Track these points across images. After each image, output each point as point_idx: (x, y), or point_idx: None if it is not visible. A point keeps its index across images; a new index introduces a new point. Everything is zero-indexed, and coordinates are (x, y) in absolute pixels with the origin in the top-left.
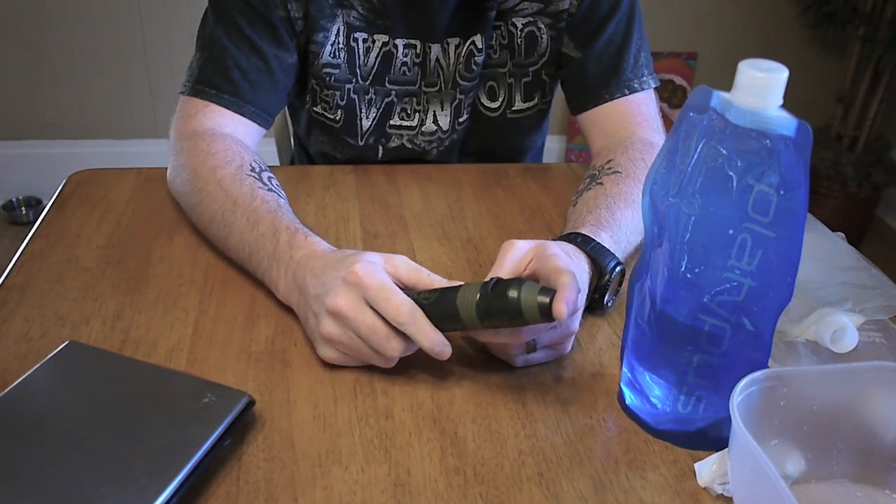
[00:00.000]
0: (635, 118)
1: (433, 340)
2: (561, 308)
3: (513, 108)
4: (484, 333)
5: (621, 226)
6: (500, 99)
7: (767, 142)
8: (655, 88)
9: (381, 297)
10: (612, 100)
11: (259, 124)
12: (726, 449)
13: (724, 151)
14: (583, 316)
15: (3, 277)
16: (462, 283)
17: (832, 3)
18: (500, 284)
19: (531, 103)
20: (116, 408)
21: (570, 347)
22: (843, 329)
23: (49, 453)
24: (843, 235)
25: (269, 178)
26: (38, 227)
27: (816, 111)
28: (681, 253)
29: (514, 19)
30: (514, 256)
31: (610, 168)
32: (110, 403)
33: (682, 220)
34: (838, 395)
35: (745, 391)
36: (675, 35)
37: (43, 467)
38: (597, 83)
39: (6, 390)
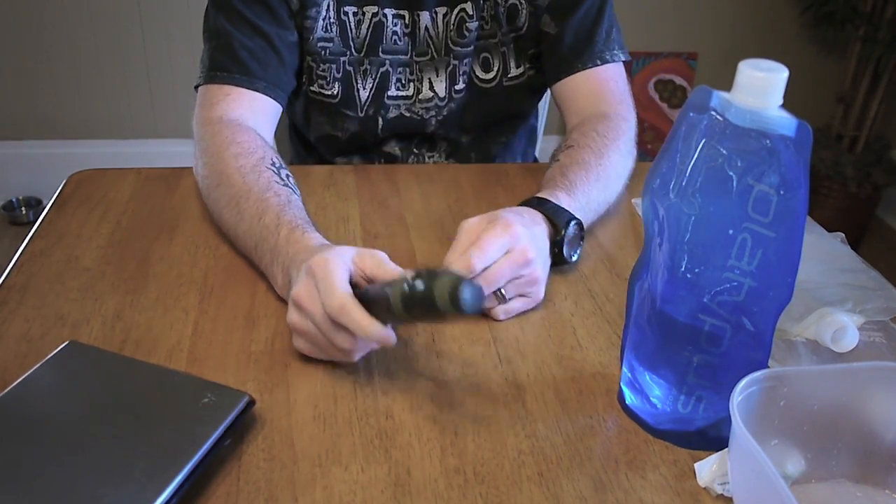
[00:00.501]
0: (605, 95)
1: (367, 332)
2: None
3: (508, 76)
4: None
5: (576, 184)
6: (496, 69)
7: (767, 142)
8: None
9: (322, 287)
10: (584, 69)
11: (274, 99)
12: (726, 449)
13: (724, 151)
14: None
15: (3, 277)
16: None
17: (832, 3)
18: (423, 273)
19: (522, 69)
20: (116, 408)
21: (542, 294)
22: (844, 328)
23: (49, 453)
24: (843, 236)
25: (287, 175)
26: (38, 227)
27: (816, 111)
28: (681, 253)
29: None
30: (468, 231)
31: (567, 145)
32: (110, 403)
33: (682, 220)
34: (838, 395)
35: (745, 391)
36: (675, 35)
37: (43, 467)
38: (571, 53)
39: (6, 390)
